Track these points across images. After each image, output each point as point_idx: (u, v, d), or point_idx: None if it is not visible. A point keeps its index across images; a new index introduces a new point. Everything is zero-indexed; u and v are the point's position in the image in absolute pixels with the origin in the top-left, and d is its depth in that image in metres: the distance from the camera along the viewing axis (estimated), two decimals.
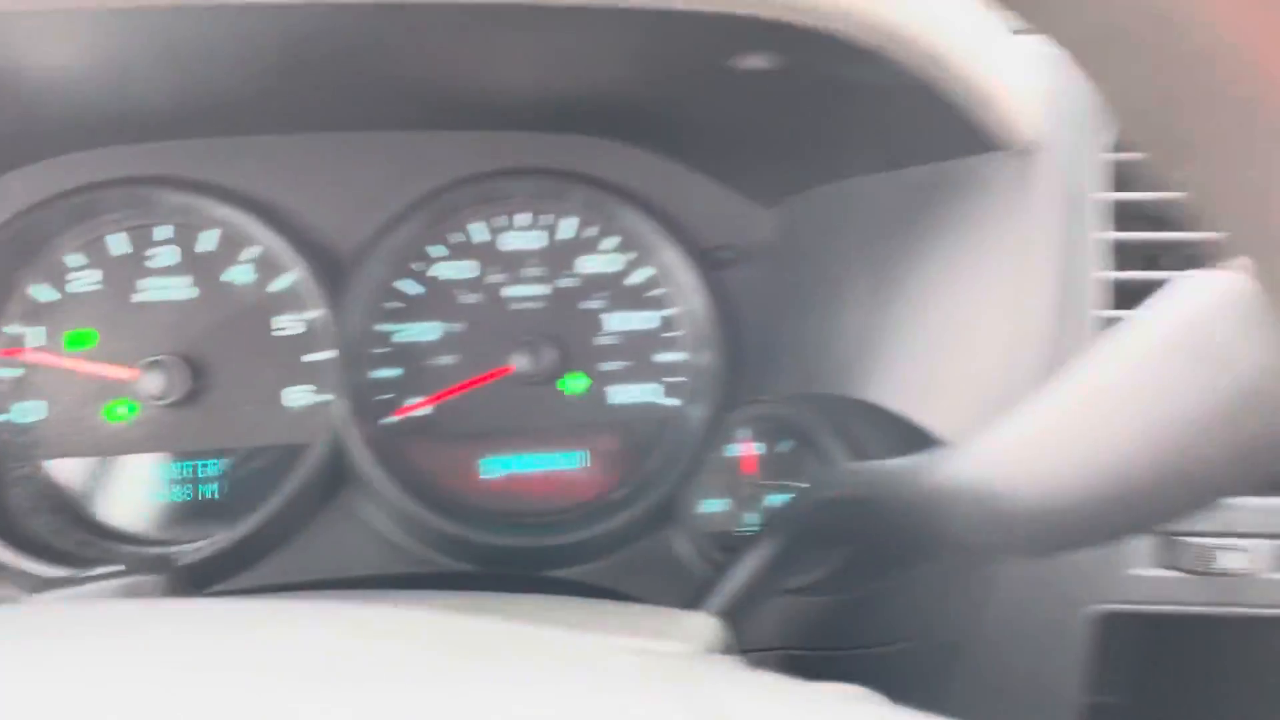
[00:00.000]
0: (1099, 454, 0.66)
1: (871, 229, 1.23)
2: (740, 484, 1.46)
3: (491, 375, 1.44)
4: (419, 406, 1.43)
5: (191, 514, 1.37)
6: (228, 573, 1.28)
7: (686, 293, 1.45)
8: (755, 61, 0.99)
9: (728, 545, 1.36)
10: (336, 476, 1.34)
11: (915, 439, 1.17)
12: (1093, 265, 1.10)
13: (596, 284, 1.49)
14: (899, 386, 1.20)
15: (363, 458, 1.31)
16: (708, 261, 1.42)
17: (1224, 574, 1.13)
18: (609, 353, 1.47)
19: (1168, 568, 1.14)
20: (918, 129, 1.09)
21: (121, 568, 0.91)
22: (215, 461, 1.39)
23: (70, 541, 1.31)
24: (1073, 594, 1.13)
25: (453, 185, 1.42)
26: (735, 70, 1.02)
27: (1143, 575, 1.13)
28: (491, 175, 1.44)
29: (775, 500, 1.47)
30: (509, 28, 1.05)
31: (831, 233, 1.29)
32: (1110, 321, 1.08)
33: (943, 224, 1.16)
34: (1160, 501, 0.62)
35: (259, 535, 1.27)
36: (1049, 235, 1.09)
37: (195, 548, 1.31)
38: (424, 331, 1.44)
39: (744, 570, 1.08)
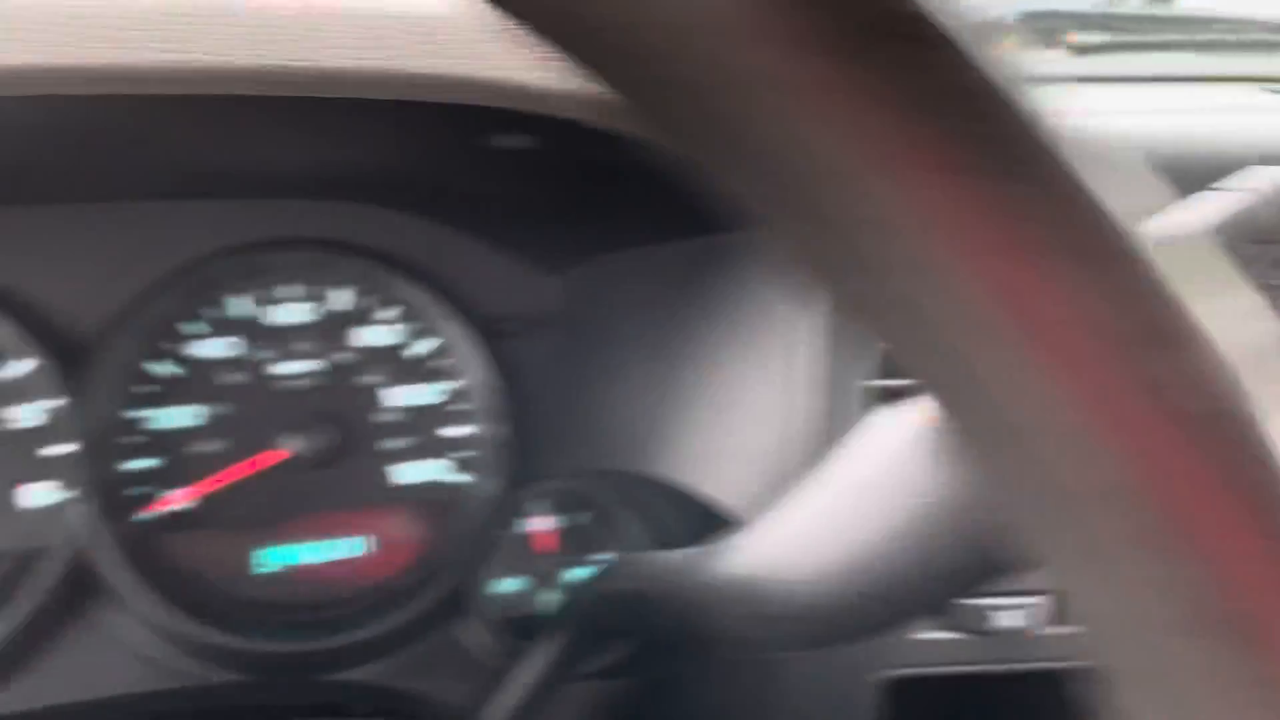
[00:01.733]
0: (838, 554, 0.65)
1: (651, 299, 1.21)
2: (536, 561, 1.41)
3: (260, 460, 1.33)
4: (179, 500, 1.31)
5: None
6: None
7: (472, 365, 1.40)
8: (513, 141, 0.95)
9: (526, 630, 1.30)
10: (80, 586, 1.20)
11: (704, 514, 1.15)
12: (862, 335, 1.12)
13: (375, 357, 1.41)
14: (683, 461, 1.18)
15: (110, 562, 1.18)
16: (491, 333, 1.37)
17: (1002, 632, 1.15)
18: (392, 429, 1.39)
19: (949, 629, 1.15)
20: (674, 204, 1.08)
21: None
22: None
23: None
24: (858, 663, 1.12)
25: (209, 257, 1.32)
26: (496, 149, 0.98)
27: (926, 639, 1.14)
28: (254, 246, 1.34)
29: (575, 575, 1.43)
30: (258, 112, 0.98)
31: (614, 303, 1.27)
32: (880, 392, 1.09)
33: (713, 296, 1.15)
34: (892, 606, 0.62)
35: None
36: (814, 307, 1.09)
37: None
38: (182, 416, 1.33)
39: (529, 670, 1.02)
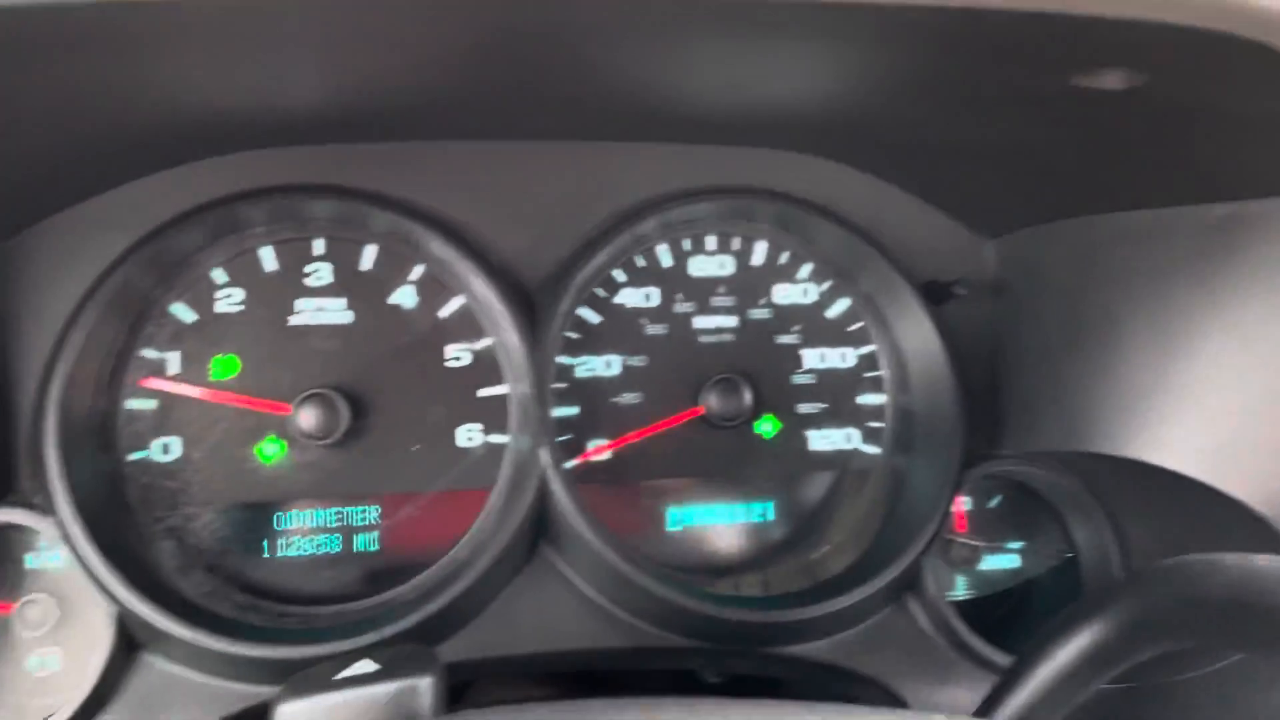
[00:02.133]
0: None
1: (1154, 270, 1.09)
2: (952, 545, 1.32)
3: (682, 417, 1.28)
4: (604, 450, 1.27)
5: (349, 568, 1.21)
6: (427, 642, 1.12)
7: (894, 327, 1.31)
8: (1108, 80, 0.85)
9: (978, 615, 1.22)
10: (537, 530, 1.18)
11: (1219, 511, 1.03)
12: None
13: (791, 316, 1.34)
14: (1187, 451, 1.05)
15: (565, 507, 1.14)
16: (930, 294, 1.27)
17: None
18: (807, 393, 1.32)
19: None
20: (1249, 158, 0.95)
21: (377, 668, 0.76)
22: (374, 508, 1.22)
23: (226, 604, 1.14)
24: None
25: (644, 206, 1.26)
26: (1069, 89, 0.88)
27: None
28: (684, 194, 1.28)
29: (994, 562, 1.33)
30: (764, 33, 0.90)
31: (1096, 271, 1.15)
32: None
33: (1248, 271, 1.02)
34: None
35: (464, 599, 1.10)
36: None
37: (370, 611, 1.15)
38: (604, 365, 1.29)
39: (1045, 671, 0.93)
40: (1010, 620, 1.31)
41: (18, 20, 0.67)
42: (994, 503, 1.35)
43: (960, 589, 1.33)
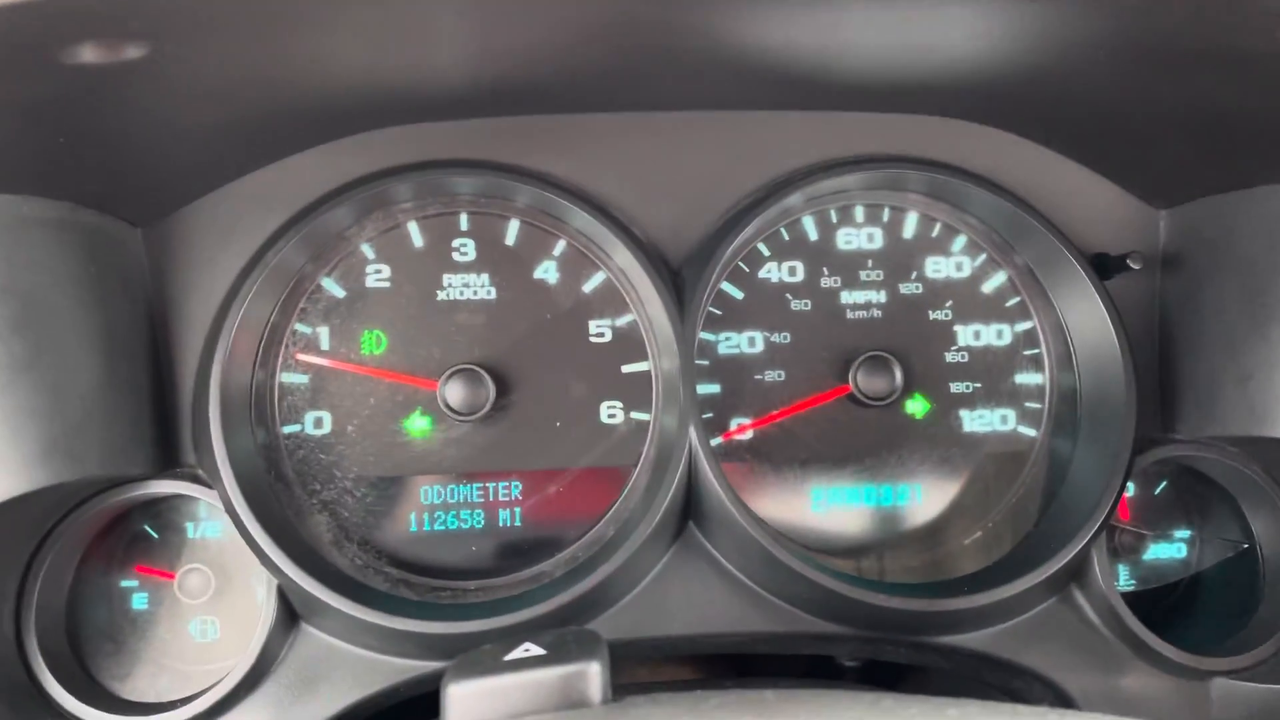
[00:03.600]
0: None
1: None
2: (1116, 533, 1.25)
3: (828, 395, 1.24)
4: (747, 429, 1.24)
5: (491, 543, 1.21)
6: (568, 625, 1.12)
7: (1058, 302, 1.24)
8: None
9: (1143, 607, 1.16)
10: (685, 510, 1.16)
11: None
12: None
13: (943, 291, 1.29)
14: None
15: (713, 487, 1.12)
16: (1100, 267, 1.20)
17: None
18: (961, 371, 1.27)
19: None
20: None
21: (542, 653, 0.75)
22: (517, 484, 1.22)
23: (379, 578, 1.16)
24: None
25: (791, 177, 1.22)
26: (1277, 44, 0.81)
27: None
28: (830, 165, 1.23)
29: (1161, 552, 1.26)
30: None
31: (1231, 246, 1.06)
32: None
33: None
34: None
35: (614, 579, 1.09)
36: None
37: (517, 587, 1.16)
38: (748, 342, 1.26)
39: None
40: (1179, 614, 1.24)
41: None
42: (1160, 489, 1.27)
43: (1124, 579, 1.26)
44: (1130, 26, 0.82)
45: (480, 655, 0.77)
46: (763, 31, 0.99)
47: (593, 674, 0.73)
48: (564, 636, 0.78)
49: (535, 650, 0.77)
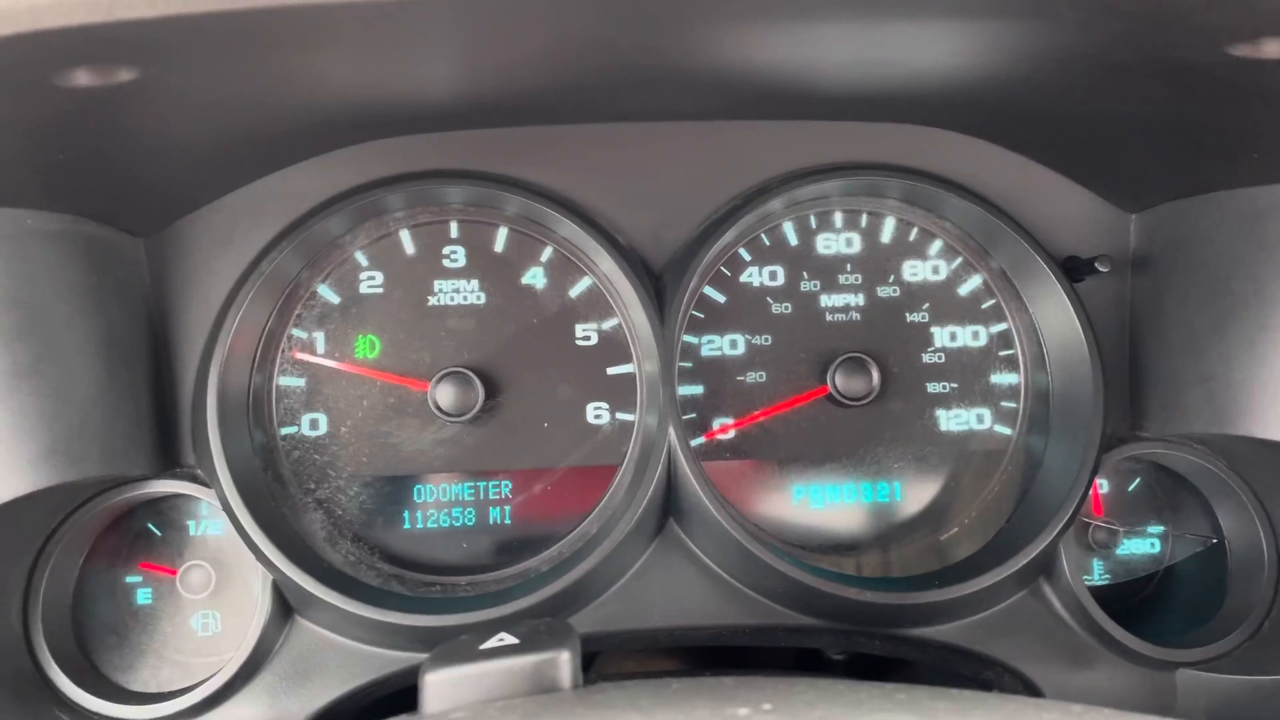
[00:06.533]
0: None
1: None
2: (1089, 529, 1.28)
3: (808, 396, 1.28)
4: (729, 428, 1.28)
5: (482, 539, 1.26)
6: (560, 613, 1.16)
7: (1031, 304, 1.27)
8: (1269, 49, 0.80)
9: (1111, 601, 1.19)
10: (663, 507, 1.20)
11: None
12: None
13: (920, 294, 1.32)
14: None
15: (691, 484, 1.16)
16: (1070, 270, 1.23)
17: None
18: (937, 372, 1.30)
19: None
20: None
21: (515, 642, 0.79)
22: (506, 483, 1.27)
23: (372, 574, 1.21)
24: None
25: (770, 184, 1.26)
26: (1227, 59, 0.84)
27: None
28: (809, 172, 1.27)
29: (1133, 547, 1.30)
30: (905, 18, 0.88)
31: (1249, 246, 1.09)
32: None
33: None
34: None
35: (596, 574, 1.13)
36: None
37: (505, 582, 1.20)
38: (729, 344, 1.30)
39: None
40: (1150, 607, 1.27)
41: (182, 27, 0.72)
42: (1133, 485, 1.31)
43: (1097, 574, 1.29)
44: (1076, 42, 0.85)
45: (457, 645, 0.81)
46: (742, 50, 1.02)
47: (563, 661, 0.77)
48: (536, 627, 0.82)
49: (509, 640, 0.81)
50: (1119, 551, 1.29)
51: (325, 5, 0.67)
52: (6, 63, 0.69)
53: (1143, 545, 1.30)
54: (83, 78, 0.76)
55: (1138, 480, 1.31)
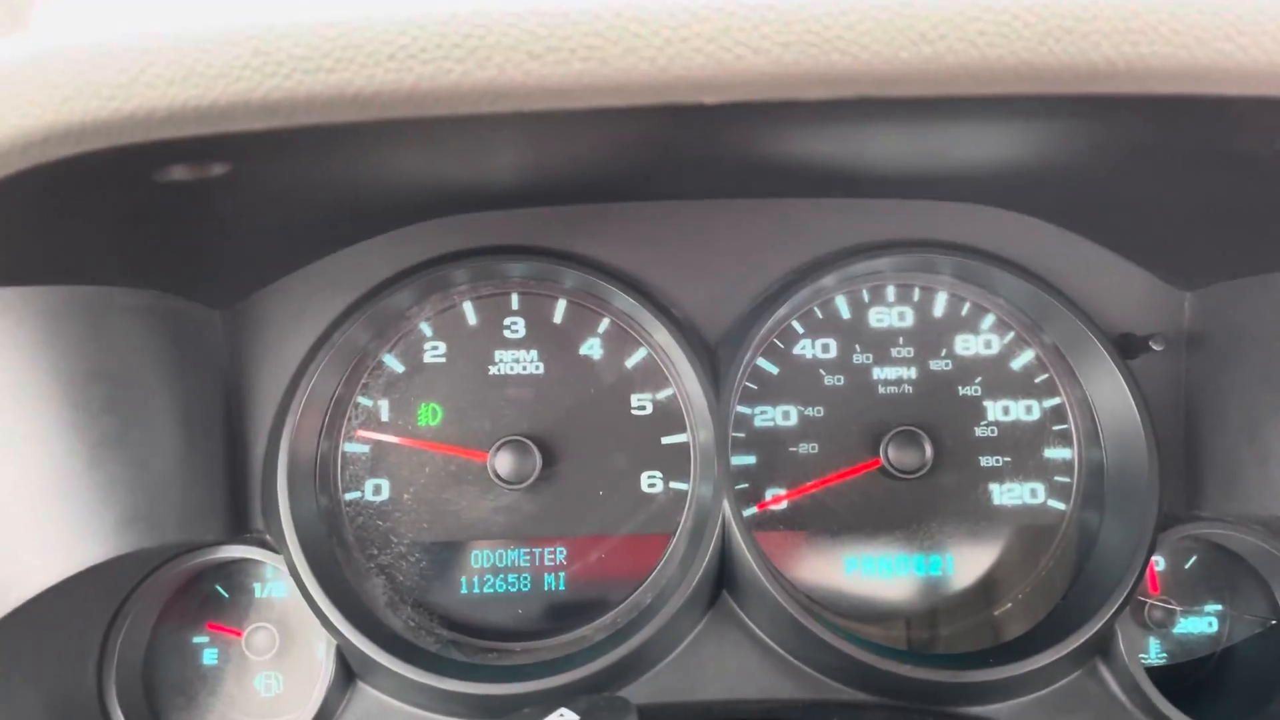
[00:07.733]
0: None
1: None
2: (1145, 607, 1.27)
3: (860, 469, 1.29)
4: (781, 499, 1.30)
5: (537, 606, 1.28)
6: (607, 687, 1.17)
7: (1084, 380, 1.28)
8: None
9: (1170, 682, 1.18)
10: (719, 578, 1.22)
11: None
12: None
13: (973, 367, 1.33)
14: None
15: (745, 555, 1.17)
16: (1124, 347, 1.24)
17: None
18: (990, 445, 1.31)
19: None
20: None
21: (576, 718, 0.81)
22: (562, 549, 1.29)
23: (431, 639, 1.23)
24: None
25: (823, 260, 1.29)
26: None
27: None
28: (862, 249, 1.29)
29: (1190, 626, 1.28)
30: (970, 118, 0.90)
31: (1252, 326, 1.09)
32: None
33: None
34: None
35: (651, 644, 1.15)
36: None
37: (559, 650, 1.22)
38: (782, 415, 1.32)
39: None
40: (1208, 688, 1.25)
41: (275, 135, 0.77)
42: (1190, 563, 1.29)
43: (1154, 654, 1.28)
44: (1137, 135, 0.87)
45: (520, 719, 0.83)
46: (801, 144, 1.06)
47: None
48: (596, 703, 0.84)
49: (570, 716, 0.83)
50: (1176, 631, 1.28)
51: (422, 120, 0.71)
52: (112, 163, 0.74)
53: (1200, 624, 1.28)
54: (179, 173, 0.81)
55: (1194, 558, 1.30)
